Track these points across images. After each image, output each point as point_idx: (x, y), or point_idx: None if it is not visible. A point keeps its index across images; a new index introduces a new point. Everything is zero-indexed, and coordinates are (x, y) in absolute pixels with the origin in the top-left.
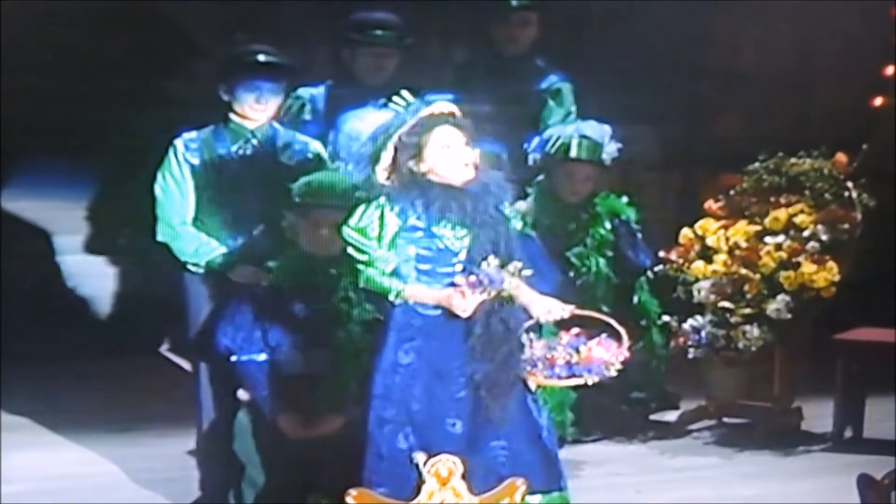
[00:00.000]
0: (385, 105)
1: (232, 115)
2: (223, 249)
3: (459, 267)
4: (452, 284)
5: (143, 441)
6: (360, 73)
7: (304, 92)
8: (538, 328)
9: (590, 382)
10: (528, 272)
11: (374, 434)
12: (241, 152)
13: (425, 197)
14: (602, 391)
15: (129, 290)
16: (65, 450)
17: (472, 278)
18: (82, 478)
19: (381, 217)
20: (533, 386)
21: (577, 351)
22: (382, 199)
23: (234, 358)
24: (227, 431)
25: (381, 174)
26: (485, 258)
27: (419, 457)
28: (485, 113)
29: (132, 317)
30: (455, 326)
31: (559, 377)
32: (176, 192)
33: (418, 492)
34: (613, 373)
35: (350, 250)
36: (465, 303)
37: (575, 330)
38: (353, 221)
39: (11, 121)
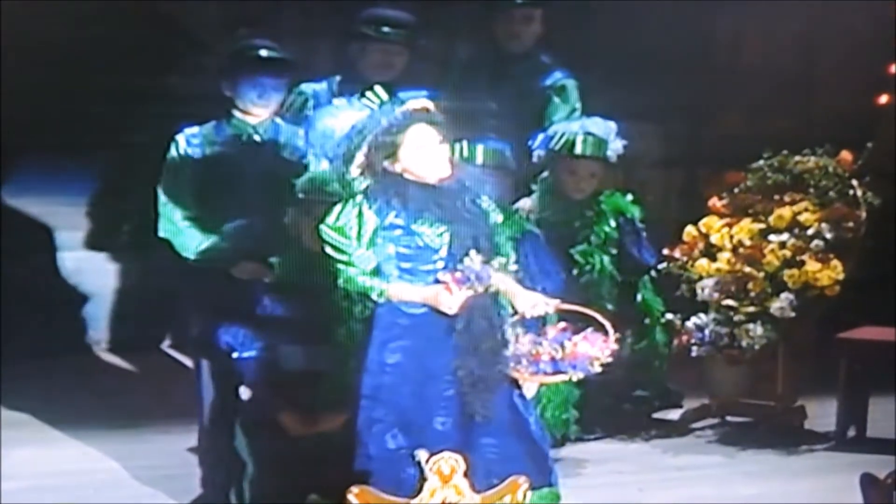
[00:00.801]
0: (359, 100)
1: (234, 111)
2: (223, 245)
3: (441, 264)
4: (437, 281)
5: (144, 438)
6: (366, 68)
7: (306, 87)
8: (541, 321)
9: (574, 378)
10: (514, 268)
11: (362, 434)
12: (243, 148)
13: (402, 195)
14: (605, 389)
15: (131, 287)
16: (65, 446)
17: (459, 274)
18: (83, 475)
19: (360, 215)
20: (532, 389)
21: (562, 346)
22: (360, 198)
23: (235, 355)
24: (228, 429)
25: (355, 171)
26: (466, 254)
27: (421, 454)
28: (489, 110)
29: (133, 313)
30: (442, 324)
31: (545, 373)
32: (178, 187)
33: (420, 489)
34: (597, 368)
35: (329, 250)
36: (452, 299)
37: (561, 325)
38: (330, 220)
39: (13, 117)
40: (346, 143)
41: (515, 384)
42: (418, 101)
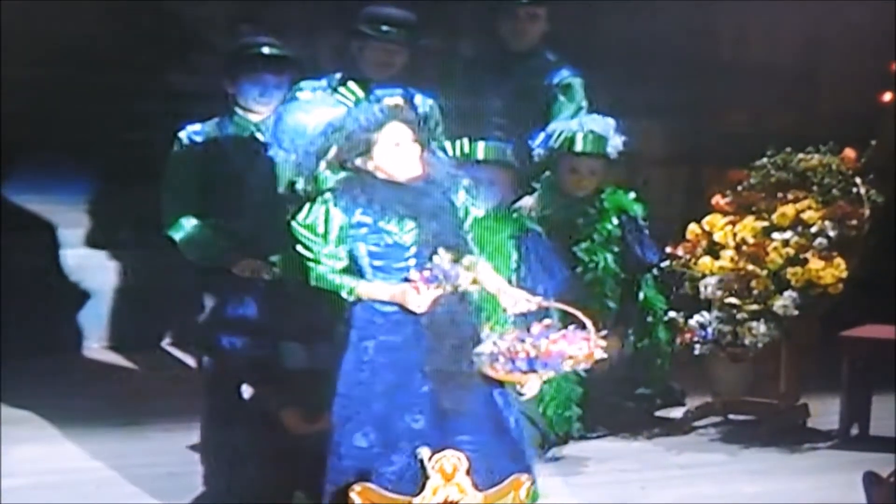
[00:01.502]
0: (332, 96)
1: (236, 109)
2: (225, 242)
3: (413, 262)
4: (407, 280)
5: (144, 435)
6: (366, 66)
7: (306, 85)
8: (537, 317)
9: (544, 377)
10: (485, 266)
11: (336, 432)
12: (245, 145)
13: (368, 193)
14: (608, 387)
15: (132, 284)
16: (66, 444)
17: (427, 273)
18: (84, 472)
19: (326, 213)
20: (535, 387)
21: (539, 344)
22: (327, 195)
23: (237, 352)
24: (230, 426)
25: (322, 167)
26: (435, 252)
27: (424, 452)
28: (494, 108)
29: (134, 311)
30: (414, 322)
31: (520, 371)
32: (180, 185)
33: (423, 488)
34: (568, 367)
35: (299, 247)
36: (420, 298)
37: (546, 321)
38: (300, 217)
39: (14, 114)
40: (321, 139)
41: (498, 382)
42: (393, 98)
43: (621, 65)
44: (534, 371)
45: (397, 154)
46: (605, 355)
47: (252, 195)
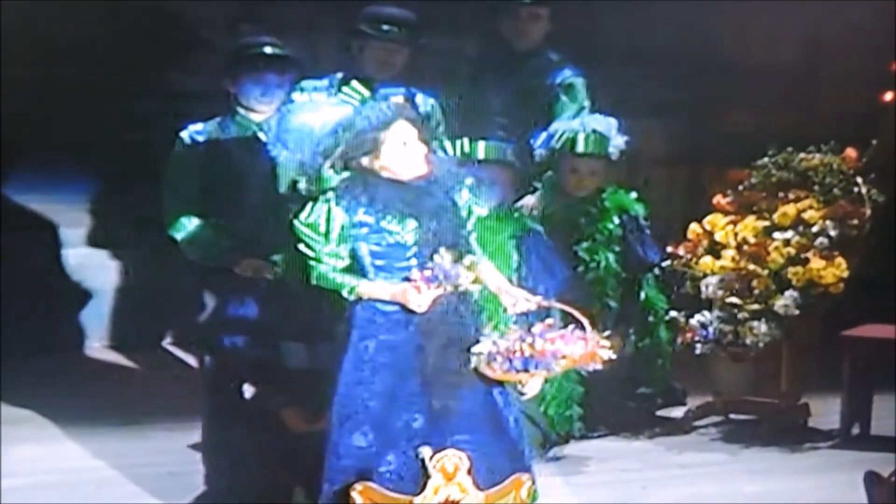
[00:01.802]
0: (335, 95)
1: (238, 108)
2: (226, 242)
3: (415, 261)
4: (407, 279)
5: (145, 435)
6: (367, 66)
7: (308, 85)
8: (539, 317)
9: (540, 377)
10: (486, 265)
11: (334, 432)
12: (247, 145)
13: (369, 192)
14: (609, 386)
15: (133, 284)
16: (67, 444)
17: (428, 272)
18: (84, 472)
19: (328, 212)
20: (536, 386)
21: (534, 343)
22: (329, 194)
23: (238, 352)
24: (231, 426)
25: (327, 165)
26: (435, 251)
27: (425, 451)
28: (497, 108)
29: (135, 310)
30: (415, 322)
31: (516, 370)
32: (181, 184)
33: (424, 487)
34: (559, 368)
35: (301, 246)
36: (421, 298)
37: (549, 321)
38: (303, 216)
39: (14, 114)
40: (330, 139)
41: (497, 382)
42: (398, 97)
43: (623, 65)
44: (527, 371)
45: (404, 153)
46: (613, 355)
47: (254, 195)
